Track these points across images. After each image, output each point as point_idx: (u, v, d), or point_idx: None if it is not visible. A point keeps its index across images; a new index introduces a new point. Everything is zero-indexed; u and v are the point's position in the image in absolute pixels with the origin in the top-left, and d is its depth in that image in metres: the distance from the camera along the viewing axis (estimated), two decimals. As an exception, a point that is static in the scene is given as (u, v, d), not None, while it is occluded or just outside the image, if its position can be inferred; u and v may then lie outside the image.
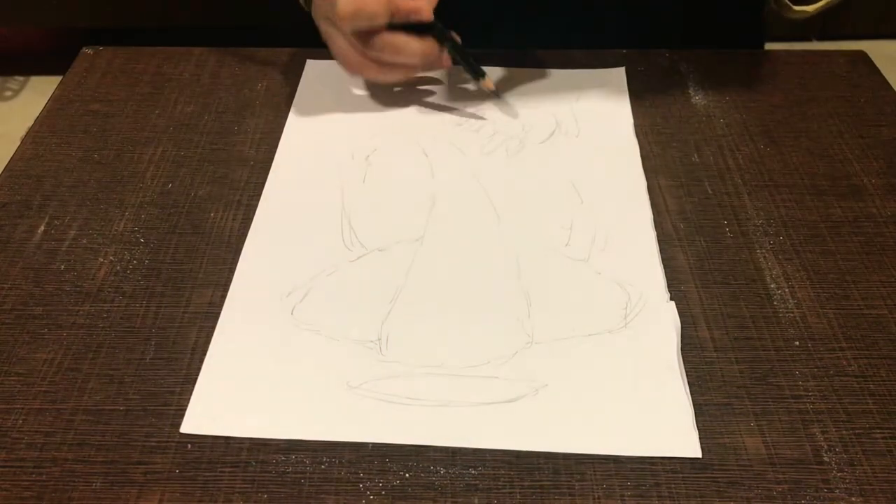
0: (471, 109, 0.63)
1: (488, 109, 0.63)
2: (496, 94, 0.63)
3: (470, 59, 0.62)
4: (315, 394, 0.43)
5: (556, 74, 0.67)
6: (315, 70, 0.68)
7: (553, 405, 0.43)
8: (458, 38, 0.62)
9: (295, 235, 0.52)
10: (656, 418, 0.42)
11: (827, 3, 0.64)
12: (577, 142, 0.61)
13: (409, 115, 0.63)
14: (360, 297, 0.48)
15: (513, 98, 0.64)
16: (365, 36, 0.58)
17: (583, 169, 0.58)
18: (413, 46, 0.59)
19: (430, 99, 0.64)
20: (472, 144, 0.60)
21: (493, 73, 0.66)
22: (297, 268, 0.50)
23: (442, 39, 0.61)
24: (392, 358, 0.45)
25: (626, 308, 0.48)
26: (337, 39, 0.60)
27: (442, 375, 0.44)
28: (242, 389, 0.44)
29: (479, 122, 0.62)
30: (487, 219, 0.54)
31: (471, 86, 0.65)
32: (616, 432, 0.42)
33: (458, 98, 0.64)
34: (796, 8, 0.65)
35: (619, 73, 0.67)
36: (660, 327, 0.47)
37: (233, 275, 0.50)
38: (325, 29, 0.60)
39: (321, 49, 0.63)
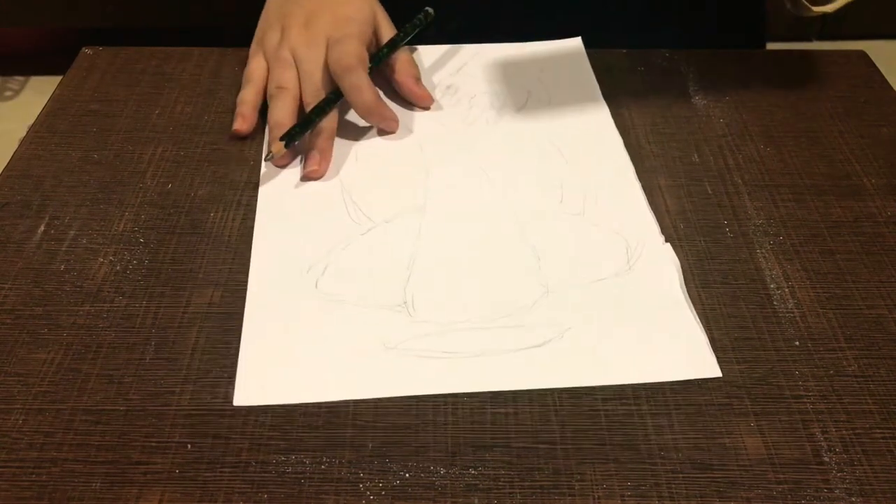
0: (444, 84, 0.66)
1: (461, 84, 0.65)
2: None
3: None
4: (355, 357, 0.45)
5: (516, 48, 0.70)
6: None
7: (580, 345, 0.46)
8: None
9: (303, 215, 0.54)
10: (675, 348, 0.46)
11: (846, 2, 0.63)
12: (551, 106, 0.63)
13: (384, 95, 0.64)
14: (378, 266, 0.50)
15: (481, 72, 0.67)
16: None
17: (561, 132, 0.61)
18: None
19: None
20: (452, 117, 0.63)
21: (458, 53, 0.69)
22: (312, 245, 0.52)
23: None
24: (422, 318, 0.47)
25: (627, 253, 0.51)
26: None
27: (472, 329, 0.46)
28: (284, 360, 0.45)
29: (454, 96, 0.64)
30: (482, 184, 0.56)
31: (441, 65, 0.68)
32: (642, 363, 0.45)
33: (428, 75, 0.66)
34: (816, 9, 0.65)
35: (576, 42, 0.70)
36: (661, 267, 0.50)
37: (233, 274, 0.50)
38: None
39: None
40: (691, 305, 0.48)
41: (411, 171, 0.57)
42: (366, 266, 0.50)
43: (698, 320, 0.47)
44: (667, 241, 0.52)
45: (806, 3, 0.64)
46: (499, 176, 0.57)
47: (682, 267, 0.50)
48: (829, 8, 0.63)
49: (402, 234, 0.52)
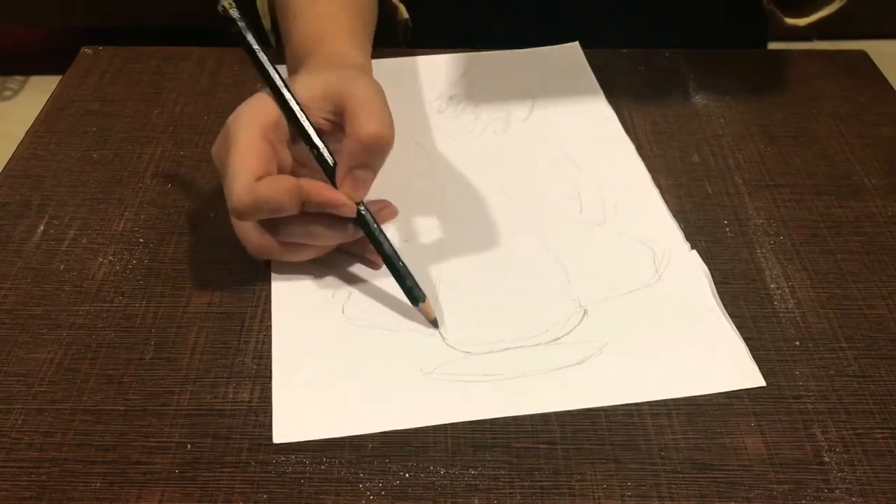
0: (446, 95, 0.64)
1: (463, 94, 0.64)
2: (434, 324, 0.47)
3: (404, 274, 0.47)
4: (394, 384, 0.44)
5: (514, 55, 0.69)
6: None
7: (620, 360, 0.45)
8: (388, 246, 0.47)
9: None
10: (716, 358, 0.45)
11: (819, 17, 0.65)
12: (557, 113, 0.63)
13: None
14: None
15: (482, 81, 0.66)
16: (271, 221, 0.46)
17: (570, 139, 0.60)
18: (332, 234, 0.47)
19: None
20: (459, 129, 0.61)
21: (456, 61, 0.67)
22: (332, 269, 0.50)
23: (374, 242, 0.47)
24: (455, 340, 0.46)
25: (654, 262, 0.50)
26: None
27: (508, 349, 0.45)
28: (321, 391, 0.43)
29: (457, 107, 0.63)
30: (499, 198, 0.55)
31: (442, 75, 0.66)
32: (685, 376, 0.44)
33: (427, 85, 0.65)
34: (789, 21, 0.66)
35: (575, 46, 0.69)
36: (690, 275, 0.49)
37: (233, 274, 0.50)
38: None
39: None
40: (726, 313, 0.47)
41: (425, 190, 0.55)
42: (390, 289, 0.48)
43: (735, 328, 0.46)
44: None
45: (780, 15, 0.66)
46: (514, 189, 0.56)
47: (683, 267, 0.50)
48: (801, 22, 0.65)
49: (422, 254, 0.51)
